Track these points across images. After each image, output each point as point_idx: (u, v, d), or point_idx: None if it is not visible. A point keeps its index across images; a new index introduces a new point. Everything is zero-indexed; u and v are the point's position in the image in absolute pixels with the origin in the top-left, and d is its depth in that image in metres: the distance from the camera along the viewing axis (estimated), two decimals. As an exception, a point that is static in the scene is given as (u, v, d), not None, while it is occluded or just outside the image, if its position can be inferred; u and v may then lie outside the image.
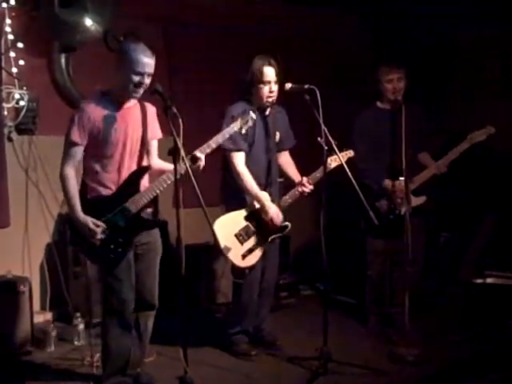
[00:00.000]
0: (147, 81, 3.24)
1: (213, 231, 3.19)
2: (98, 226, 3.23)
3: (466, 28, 5.86)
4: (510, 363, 3.82)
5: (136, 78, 3.21)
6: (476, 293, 4.60)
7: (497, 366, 3.81)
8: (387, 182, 4.38)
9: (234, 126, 3.54)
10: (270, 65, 3.93)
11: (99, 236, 3.23)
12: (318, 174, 3.98)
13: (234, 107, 3.95)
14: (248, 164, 3.97)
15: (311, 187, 4.02)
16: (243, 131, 3.60)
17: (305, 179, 4.04)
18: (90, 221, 3.22)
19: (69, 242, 3.48)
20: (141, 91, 3.27)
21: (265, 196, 3.97)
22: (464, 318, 4.53)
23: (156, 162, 3.53)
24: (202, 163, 3.35)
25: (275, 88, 3.95)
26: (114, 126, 3.29)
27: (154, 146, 3.52)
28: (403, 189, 4.11)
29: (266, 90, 3.93)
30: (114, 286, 3.34)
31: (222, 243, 3.79)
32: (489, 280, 4.62)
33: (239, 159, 3.94)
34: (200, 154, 3.33)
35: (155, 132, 3.49)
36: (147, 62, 3.22)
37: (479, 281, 4.63)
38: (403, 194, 4.14)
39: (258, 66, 3.93)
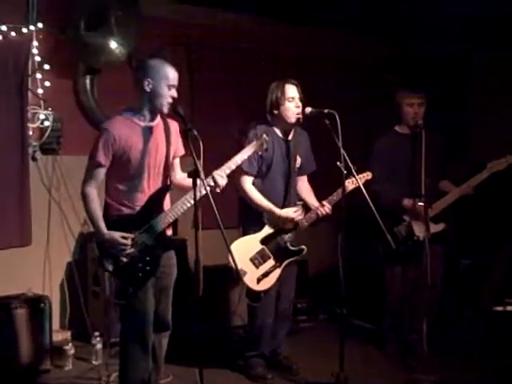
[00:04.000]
0: (176, 93, 3.30)
1: (231, 253, 3.19)
2: (126, 238, 3.20)
3: (484, 53, 5.85)
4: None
5: (170, 92, 3.26)
6: (496, 320, 4.55)
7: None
8: (407, 201, 4.35)
9: (251, 148, 3.57)
10: (290, 83, 3.95)
11: (129, 249, 3.20)
12: (335, 197, 3.96)
13: (258, 125, 3.97)
14: (264, 187, 3.98)
15: (329, 209, 3.99)
16: (259, 153, 3.62)
17: (324, 202, 4.00)
18: (117, 235, 3.19)
19: (98, 264, 3.43)
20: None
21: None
22: (485, 346, 4.47)
23: (180, 177, 3.49)
24: (222, 184, 3.32)
25: (300, 104, 3.93)
26: (141, 146, 3.27)
27: (176, 162, 3.50)
28: (422, 212, 4.10)
29: (291, 106, 3.92)
30: (137, 307, 3.28)
31: (238, 266, 3.78)
32: (509, 308, 4.57)
33: (248, 181, 3.96)
34: (219, 176, 3.32)
35: (178, 149, 3.46)
36: (176, 74, 3.29)
37: (499, 308, 4.57)
38: (422, 217, 4.12)
39: (277, 86, 3.94)
